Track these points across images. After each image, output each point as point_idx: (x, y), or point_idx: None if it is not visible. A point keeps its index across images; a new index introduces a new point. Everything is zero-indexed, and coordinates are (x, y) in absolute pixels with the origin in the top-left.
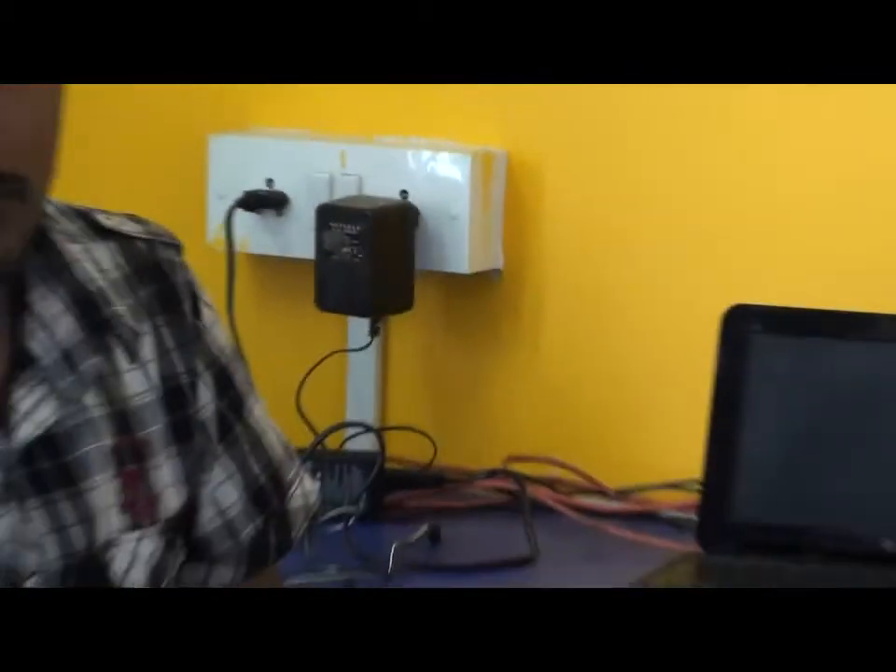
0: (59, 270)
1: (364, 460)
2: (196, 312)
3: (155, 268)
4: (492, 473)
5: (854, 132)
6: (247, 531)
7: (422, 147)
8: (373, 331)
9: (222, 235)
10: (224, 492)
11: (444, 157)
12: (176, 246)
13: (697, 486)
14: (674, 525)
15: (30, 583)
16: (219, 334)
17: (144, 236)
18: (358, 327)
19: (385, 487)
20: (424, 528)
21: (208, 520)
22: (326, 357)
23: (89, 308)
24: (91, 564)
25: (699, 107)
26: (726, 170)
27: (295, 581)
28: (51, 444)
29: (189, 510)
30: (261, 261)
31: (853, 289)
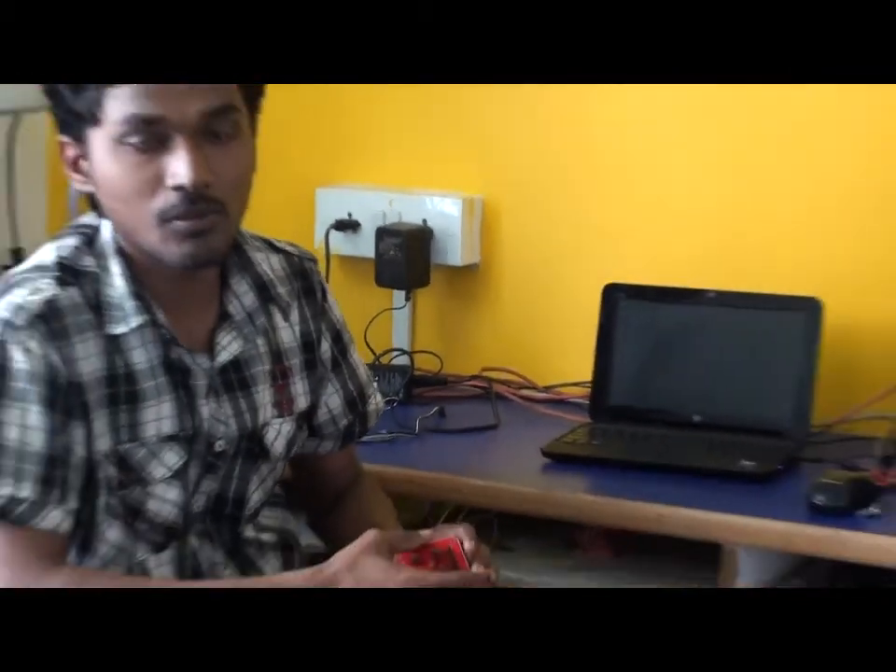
0: (247, 266)
1: (402, 370)
2: (324, 297)
3: (302, 272)
4: (473, 377)
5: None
6: (343, 423)
7: (435, 195)
8: (407, 297)
9: (323, 244)
10: (332, 400)
11: (447, 201)
12: (315, 261)
13: (589, 384)
14: (577, 407)
15: (219, 443)
16: (336, 312)
17: (297, 254)
18: (399, 295)
19: (414, 385)
20: (435, 408)
21: (321, 415)
22: (380, 313)
23: (262, 289)
24: (253, 435)
25: (585, 152)
26: (608, 208)
27: (363, 439)
28: (237, 365)
29: (311, 409)
30: (345, 259)
31: (681, 272)
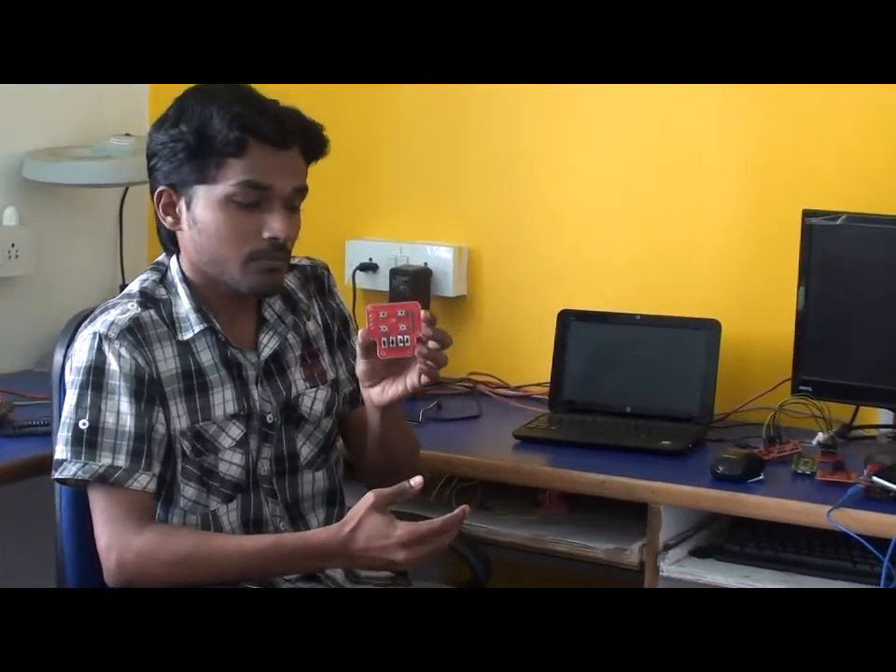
0: None
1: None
2: (332, 296)
3: (315, 276)
4: (462, 379)
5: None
6: (348, 389)
7: (433, 244)
8: None
9: (351, 281)
10: (341, 372)
11: (443, 249)
12: (326, 267)
13: (547, 384)
14: (539, 401)
15: (269, 416)
16: (344, 306)
17: (310, 264)
18: None
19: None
20: (434, 403)
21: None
22: None
23: (288, 298)
24: (289, 404)
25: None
26: (562, 253)
27: None
28: (276, 357)
29: (335, 379)
30: (367, 292)
31: (615, 300)
